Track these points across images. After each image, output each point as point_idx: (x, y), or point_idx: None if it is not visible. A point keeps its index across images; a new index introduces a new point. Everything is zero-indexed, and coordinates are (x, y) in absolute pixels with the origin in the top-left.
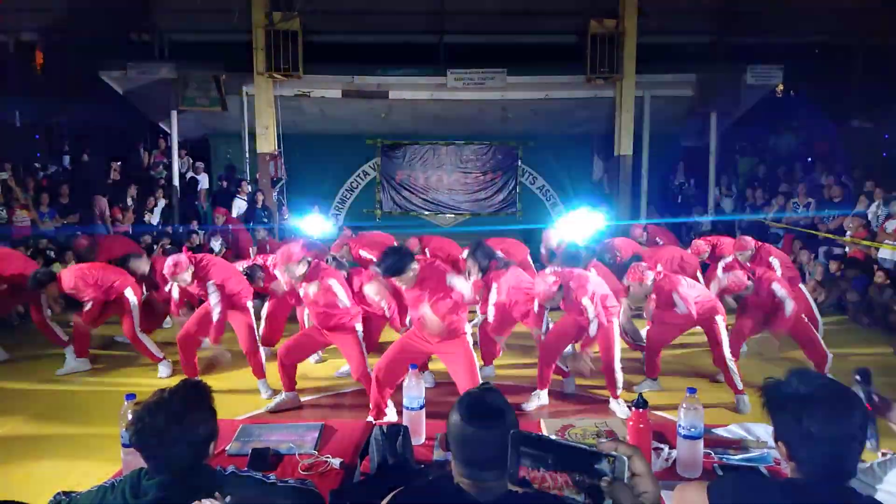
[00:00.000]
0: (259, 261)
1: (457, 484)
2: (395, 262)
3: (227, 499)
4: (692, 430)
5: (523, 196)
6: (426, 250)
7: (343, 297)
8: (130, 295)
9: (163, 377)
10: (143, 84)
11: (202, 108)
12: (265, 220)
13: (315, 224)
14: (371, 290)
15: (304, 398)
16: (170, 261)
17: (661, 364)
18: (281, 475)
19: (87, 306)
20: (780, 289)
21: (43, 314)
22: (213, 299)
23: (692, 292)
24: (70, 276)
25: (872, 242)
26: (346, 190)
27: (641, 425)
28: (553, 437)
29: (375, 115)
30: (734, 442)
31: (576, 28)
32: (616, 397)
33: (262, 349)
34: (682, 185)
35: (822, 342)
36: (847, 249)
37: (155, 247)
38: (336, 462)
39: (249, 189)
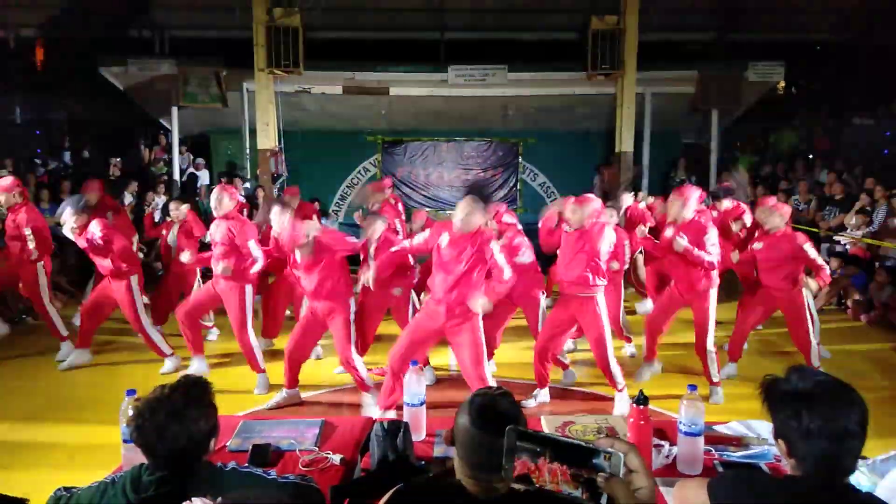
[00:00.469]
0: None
1: (459, 481)
2: (485, 193)
3: (219, 500)
4: (693, 426)
5: (524, 193)
6: None
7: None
8: (134, 282)
9: (166, 372)
10: (143, 80)
11: (203, 105)
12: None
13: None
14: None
15: (304, 395)
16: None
17: (662, 359)
18: (282, 471)
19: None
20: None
21: (45, 305)
22: (257, 252)
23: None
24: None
25: (873, 240)
26: (347, 186)
27: (642, 422)
28: (550, 433)
29: (376, 111)
30: (735, 439)
31: (577, 24)
32: (620, 390)
33: (254, 339)
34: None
35: (811, 332)
36: (847, 247)
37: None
38: (337, 458)
39: (248, 185)
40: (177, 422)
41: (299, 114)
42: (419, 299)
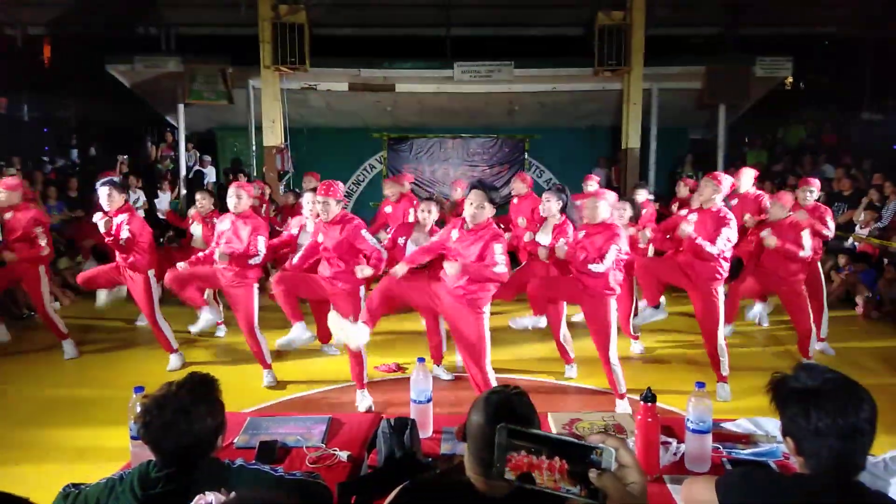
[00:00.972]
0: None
1: (466, 478)
2: (494, 190)
3: (232, 494)
4: (701, 424)
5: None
6: None
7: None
8: (151, 276)
9: (173, 369)
10: (149, 77)
11: (209, 102)
12: (272, 213)
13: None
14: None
15: (312, 391)
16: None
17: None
18: (289, 468)
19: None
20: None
21: (45, 306)
22: (262, 248)
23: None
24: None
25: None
26: (353, 183)
27: (650, 419)
28: (541, 431)
29: (382, 108)
30: (743, 436)
31: (583, 20)
32: (621, 396)
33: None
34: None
35: (811, 318)
36: (856, 243)
37: (161, 239)
38: (343, 455)
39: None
40: (184, 418)
41: (305, 111)
42: None
